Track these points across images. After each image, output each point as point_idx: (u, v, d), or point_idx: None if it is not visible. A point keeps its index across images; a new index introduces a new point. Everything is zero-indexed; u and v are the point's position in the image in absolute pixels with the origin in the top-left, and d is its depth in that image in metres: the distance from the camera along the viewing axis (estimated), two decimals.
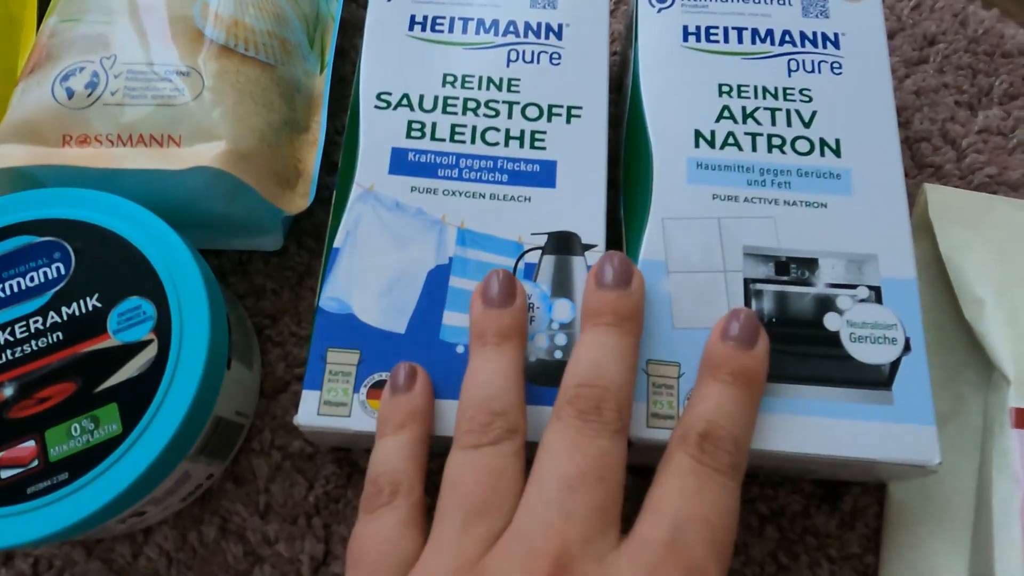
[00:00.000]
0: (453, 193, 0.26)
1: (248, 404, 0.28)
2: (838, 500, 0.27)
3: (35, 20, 0.33)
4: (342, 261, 0.25)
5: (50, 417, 0.23)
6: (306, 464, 0.28)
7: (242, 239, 0.31)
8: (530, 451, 0.22)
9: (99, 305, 0.24)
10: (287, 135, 0.29)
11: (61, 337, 0.23)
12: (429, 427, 0.23)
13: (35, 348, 0.23)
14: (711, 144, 0.26)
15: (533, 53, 0.28)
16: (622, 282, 0.23)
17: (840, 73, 0.28)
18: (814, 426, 0.22)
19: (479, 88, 0.28)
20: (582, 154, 0.27)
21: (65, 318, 0.24)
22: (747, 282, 0.24)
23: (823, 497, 0.27)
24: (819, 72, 0.28)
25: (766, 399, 0.23)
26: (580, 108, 0.28)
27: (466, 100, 0.28)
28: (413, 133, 0.27)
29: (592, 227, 0.26)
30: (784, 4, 0.29)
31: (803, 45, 0.28)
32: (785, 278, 0.24)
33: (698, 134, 0.27)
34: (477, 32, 0.29)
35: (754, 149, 0.26)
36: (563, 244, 0.26)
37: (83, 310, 0.24)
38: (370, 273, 0.25)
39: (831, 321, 0.24)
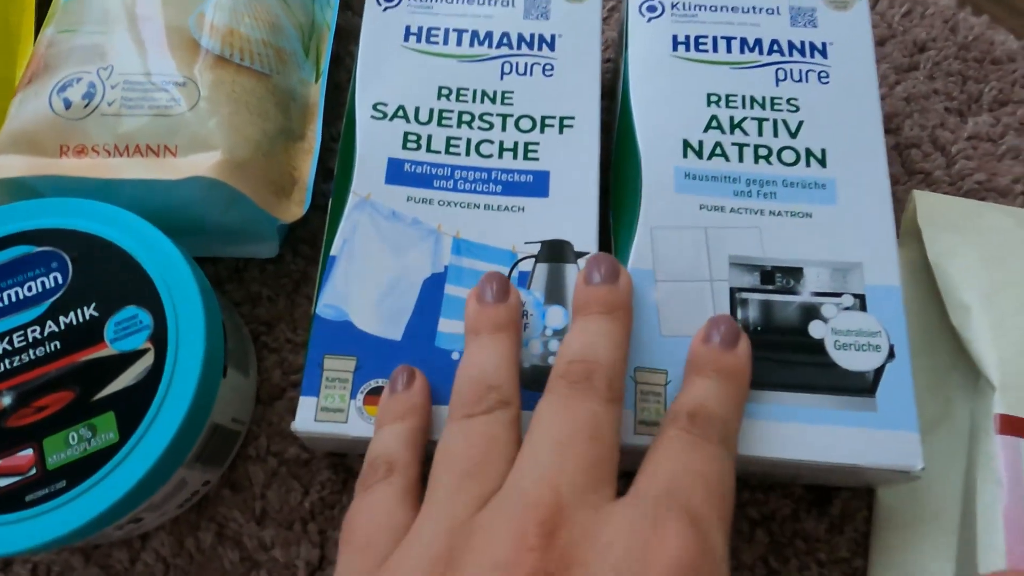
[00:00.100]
0: (448, 203, 0.27)
1: (244, 411, 0.28)
2: (827, 504, 0.28)
3: (32, 30, 0.33)
4: (339, 269, 0.26)
5: (48, 426, 0.23)
6: (302, 470, 0.29)
7: (238, 247, 0.31)
8: None
9: (96, 314, 0.24)
10: (282, 144, 0.30)
11: (59, 346, 0.24)
12: (428, 421, 0.24)
13: (33, 357, 0.24)
14: (699, 154, 0.27)
15: (526, 65, 0.29)
16: (610, 279, 0.23)
17: (827, 82, 0.28)
18: (799, 432, 0.23)
19: (473, 101, 0.28)
20: (574, 164, 0.27)
21: (63, 327, 0.24)
22: (733, 291, 0.25)
23: (812, 501, 0.28)
24: (806, 81, 0.28)
25: (752, 406, 0.23)
26: (572, 118, 0.28)
27: (461, 113, 0.28)
28: (409, 144, 0.28)
29: (584, 235, 0.26)
30: (773, 13, 0.30)
31: (791, 54, 0.29)
32: (770, 287, 0.25)
33: (686, 144, 0.27)
34: (471, 44, 0.29)
35: (741, 160, 0.27)
36: (556, 252, 0.26)
37: (80, 319, 0.24)
38: (367, 281, 0.26)
39: (816, 329, 0.24)
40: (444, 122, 0.28)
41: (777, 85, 0.28)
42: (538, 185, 0.27)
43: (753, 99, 0.28)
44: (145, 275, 0.25)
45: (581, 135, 0.28)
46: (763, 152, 0.27)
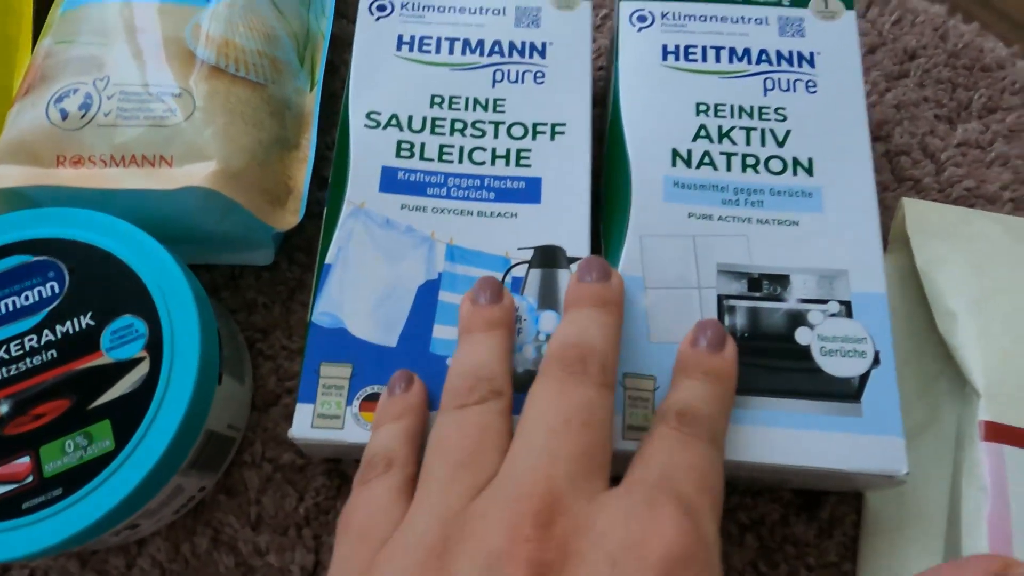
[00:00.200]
0: (442, 211, 0.27)
1: (240, 417, 0.29)
2: (816, 509, 0.28)
3: (30, 40, 0.34)
4: (334, 277, 0.26)
5: (44, 434, 0.23)
6: (297, 476, 0.29)
7: (234, 254, 0.31)
8: None
9: (92, 323, 0.25)
10: (277, 153, 0.30)
11: (55, 355, 0.24)
12: (425, 422, 0.24)
13: (30, 366, 0.24)
14: (687, 163, 0.27)
15: (518, 72, 0.29)
16: (602, 278, 0.23)
17: (815, 91, 0.28)
18: (785, 437, 0.23)
19: (466, 109, 0.29)
20: (566, 170, 0.28)
21: (59, 336, 0.24)
22: (721, 298, 0.25)
23: (801, 506, 0.28)
24: (794, 91, 0.28)
25: (739, 411, 0.24)
26: (564, 125, 0.28)
27: (453, 121, 0.28)
28: (403, 153, 0.28)
29: (577, 241, 0.27)
30: (761, 23, 0.30)
31: (779, 64, 0.29)
32: (758, 294, 0.25)
33: (675, 153, 0.27)
34: (463, 52, 0.30)
35: (729, 168, 0.27)
36: (549, 257, 0.26)
37: (77, 328, 0.24)
38: (362, 288, 0.26)
39: (802, 335, 0.24)
40: (437, 130, 0.28)
41: (765, 94, 0.28)
42: (530, 192, 0.27)
43: (741, 108, 0.28)
44: (141, 284, 0.25)
45: (573, 142, 0.28)
46: (751, 161, 0.27)
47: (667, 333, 0.25)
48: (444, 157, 0.28)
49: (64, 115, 0.27)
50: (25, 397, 0.24)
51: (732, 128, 0.28)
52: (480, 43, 0.30)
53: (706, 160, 0.27)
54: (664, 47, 0.30)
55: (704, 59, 0.29)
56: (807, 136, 0.28)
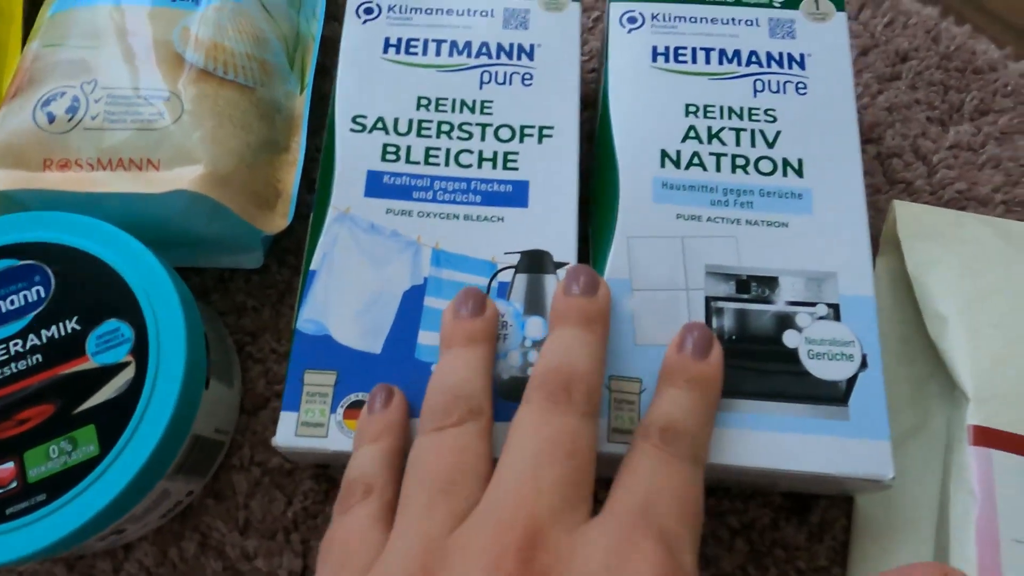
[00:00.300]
0: (428, 215, 0.27)
1: (228, 421, 0.29)
2: (807, 513, 0.28)
3: (20, 44, 0.33)
4: (319, 283, 0.26)
5: (29, 439, 0.23)
6: (285, 480, 0.29)
7: (223, 257, 0.31)
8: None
9: (78, 328, 0.24)
10: (266, 156, 0.30)
11: (40, 359, 0.24)
12: (405, 441, 0.24)
13: (15, 371, 0.24)
14: (676, 164, 0.27)
15: (505, 74, 0.29)
16: (589, 290, 0.23)
17: (805, 93, 0.28)
18: (771, 441, 0.23)
19: (453, 111, 0.29)
20: (554, 174, 0.28)
21: (44, 341, 0.24)
22: (708, 300, 0.25)
23: (792, 510, 0.28)
24: (784, 92, 0.28)
25: (725, 414, 0.23)
26: (551, 128, 0.28)
27: (440, 123, 0.28)
28: (388, 156, 0.28)
29: (564, 245, 0.26)
30: (752, 25, 0.30)
31: (769, 65, 0.29)
32: (746, 296, 0.25)
33: (664, 154, 0.27)
34: (451, 54, 0.29)
35: (718, 169, 0.27)
36: (535, 263, 0.26)
37: (62, 333, 0.24)
38: (347, 294, 0.26)
39: (790, 338, 0.24)
40: (423, 132, 0.28)
41: (755, 96, 0.28)
42: (517, 195, 0.27)
43: (731, 109, 0.28)
44: (127, 288, 0.25)
45: (560, 145, 0.28)
46: (740, 162, 0.27)
47: (654, 335, 0.24)
48: (430, 160, 0.28)
49: (51, 118, 0.27)
50: (9, 402, 0.23)
51: (722, 129, 0.28)
52: (468, 45, 0.30)
53: (695, 161, 0.27)
54: (654, 48, 0.29)
55: (694, 60, 0.29)
56: (797, 137, 0.27)
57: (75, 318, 0.25)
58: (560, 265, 0.26)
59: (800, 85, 0.28)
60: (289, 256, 0.32)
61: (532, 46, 0.30)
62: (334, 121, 0.29)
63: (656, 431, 0.21)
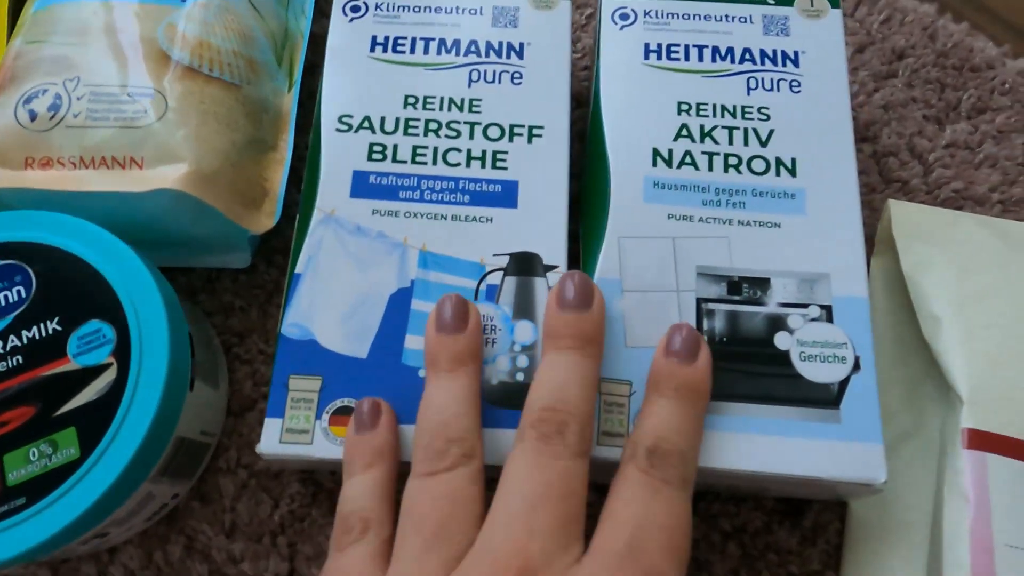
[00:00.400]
0: (415, 215, 0.27)
1: (214, 423, 0.28)
2: (800, 517, 0.27)
3: (4, 41, 0.33)
4: (304, 287, 0.26)
5: (8, 442, 0.23)
6: (272, 483, 0.28)
7: (210, 257, 0.31)
8: (491, 473, 0.22)
9: (59, 328, 0.24)
10: (252, 155, 0.29)
11: (21, 361, 0.24)
12: (396, 463, 0.23)
13: None
14: (668, 163, 0.27)
15: (495, 73, 0.29)
16: (583, 303, 0.23)
17: (799, 91, 0.28)
18: (763, 444, 0.23)
19: (440, 109, 0.28)
20: (543, 174, 0.27)
21: (25, 342, 0.24)
22: (700, 302, 0.25)
23: (785, 514, 0.28)
24: (778, 90, 0.28)
25: (716, 417, 0.23)
26: (541, 128, 0.28)
27: (427, 121, 0.28)
28: (374, 155, 0.27)
29: (553, 248, 0.26)
30: (745, 22, 0.29)
31: (763, 63, 0.28)
32: (737, 298, 0.25)
33: (656, 153, 0.27)
34: (439, 52, 0.29)
35: (710, 169, 0.27)
36: (525, 265, 0.26)
37: (43, 334, 0.24)
38: (332, 298, 0.25)
39: (781, 340, 0.24)
40: (410, 131, 0.28)
41: (748, 94, 0.28)
42: (506, 195, 0.27)
43: (724, 108, 0.28)
44: (109, 289, 0.25)
45: (550, 145, 0.28)
46: (733, 161, 0.27)
47: (644, 337, 0.24)
48: (417, 158, 0.27)
49: (33, 116, 0.27)
50: None
51: (714, 127, 0.27)
52: (456, 43, 0.29)
53: (687, 160, 0.27)
54: (646, 45, 0.29)
55: (687, 58, 0.29)
56: (790, 136, 0.27)
57: (56, 319, 0.24)
58: (550, 268, 0.26)
59: (794, 83, 0.28)
60: (277, 256, 0.32)
61: (522, 44, 0.29)
62: (320, 121, 0.28)
63: (644, 453, 0.21)
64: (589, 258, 0.26)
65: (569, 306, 0.23)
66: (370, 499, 0.22)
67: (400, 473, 0.25)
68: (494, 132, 0.28)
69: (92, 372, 0.24)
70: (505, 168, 0.27)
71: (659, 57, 0.29)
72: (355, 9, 0.30)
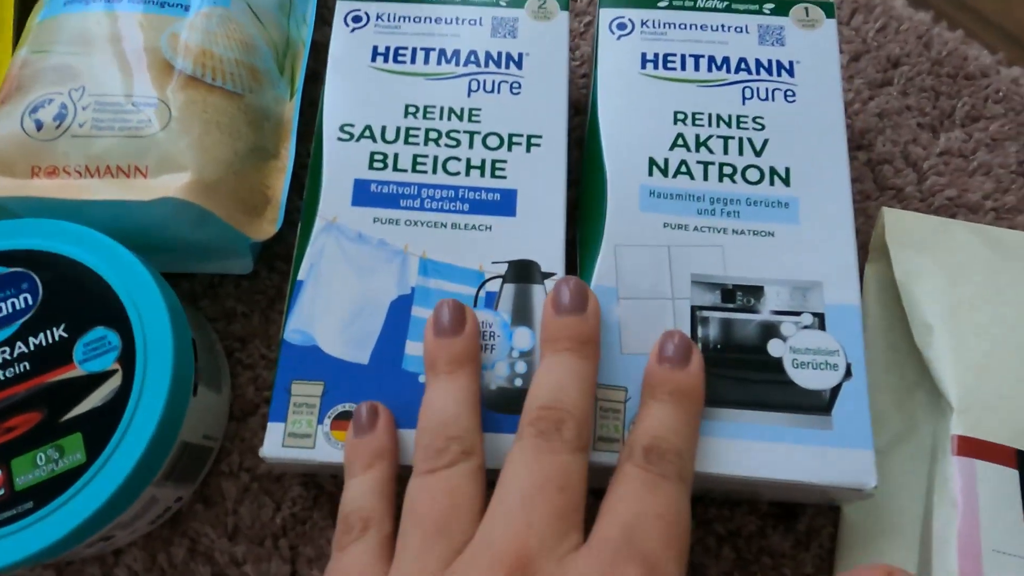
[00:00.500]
0: (415, 223, 0.27)
1: (217, 427, 0.29)
2: (793, 521, 0.28)
3: (10, 50, 0.33)
4: (306, 294, 0.26)
5: (16, 447, 0.23)
6: (274, 486, 0.29)
7: (212, 263, 0.31)
8: (491, 477, 0.23)
9: (65, 335, 0.24)
10: (254, 162, 0.30)
11: (28, 367, 0.24)
12: (395, 465, 0.24)
13: (2, 378, 0.24)
14: (664, 172, 0.27)
15: (494, 83, 0.29)
16: (579, 307, 0.23)
17: (793, 101, 0.28)
18: (755, 450, 0.23)
19: (440, 118, 0.29)
20: (542, 183, 0.28)
21: (32, 348, 0.24)
22: (694, 309, 0.25)
23: (779, 517, 0.28)
24: (773, 100, 0.28)
25: (710, 423, 0.23)
26: (540, 137, 0.28)
27: (428, 131, 0.28)
28: (375, 164, 0.28)
29: (551, 255, 0.27)
30: (741, 32, 0.30)
31: (758, 73, 0.29)
32: (731, 305, 0.25)
33: (652, 162, 0.27)
34: (439, 63, 0.29)
35: (705, 178, 0.27)
36: (523, 273, 0.26)
37: (50, 340, 0.24)
38: (334, 305, 0.26)
39: (774, 347, 0.24)
40: (411, 140, 0.28)
41: (744, 103, 0.28)
42: (505, 204, 0.27)
43: (719, 117, 0.28)
44: (114, 296, 0.25)
45: (548, 154, 0.28)
46: (728, 170, 0.27)
47: (639, 344, 0.25)
48: (418, 167, 0.28)
49: (39, 125, 0.27)
50: None
51: (710, 137, 0.28)
52: (456, 53, 0.30)
53: (683, 169, 0.27)
54: (643, 55, 0.29)
55: (683, 67, 0.29)
56: (785, 146, 0.27)
57: (63, 326, 0.25)
58: (548, 275, 0.26)
59: (789, 93, 0.28)
60: (279, 262, 0.32)
61: (521, 55, 0.30)
62: (322, 130, 0.29)
63: (640, 451, 0.21)
64: (586, 265, 0.26)
65: (565, 310, 0.23)
66: (370, 498, 0.23)
67: (401, 477, 0.25)
68: (493, 141, 0.28)
69: (98, 378, 0.24)
70: (504, 177, 0.28)
71: (656, 66, 0.29)
72: (356, 19, 0.30)
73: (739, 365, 0.24)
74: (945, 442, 0.25)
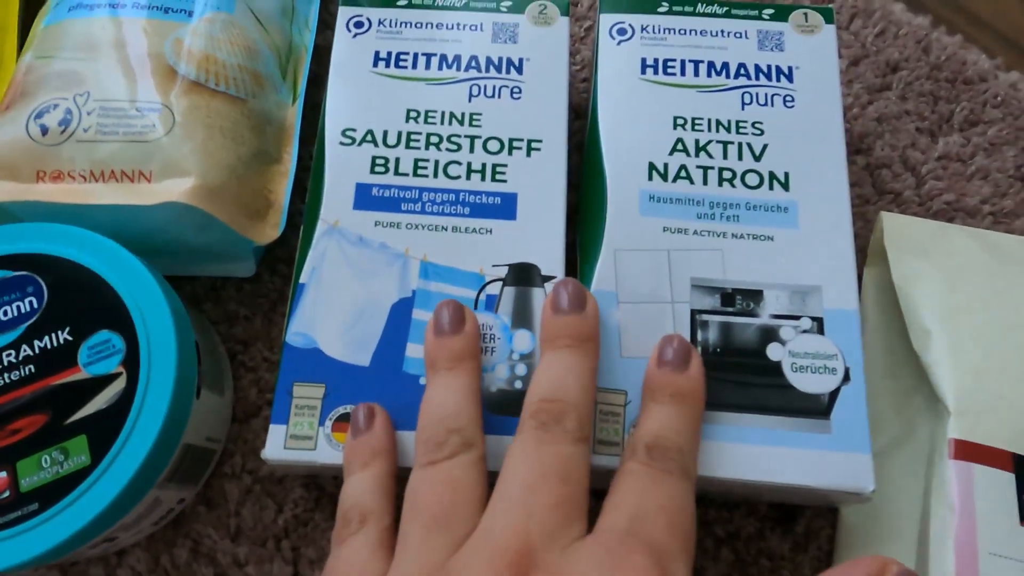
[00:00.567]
0: (416, 227, 0.27)
1: (219, 430, 0.29)
2: (792, 523, 0.28)
3: (15, 56, 0.34)
4: (308, 296, 0.26)
5: (21, 449, 0.23)
6: (276, 488, 0.29)
7: (215, 266, 0.31)
8: (492, 478, 0.23)
9: (70, 338, 0.25)
10: (257, 167, 0.30)
11: (33, 370, 0.24)
12: (394, 463, 0.24)
13: (8, 381, 0.24)
14: (664, 177, 0.27)
15: (494, 87, 0.29)
16: (577, 306, 0.24)
17: (792, 106, 0.28)
18: (754, 453, 0.23)
19: (442, 123, 0.29)
20: (542, 186, 0.28)
21: (37, 351, 0.25)
22: (694, 313, 0.25)
23: (777, 520, 0.28)
24: (772, 105, 0.28)
25: (709, 426, 0.24)
26: (540, 141, 0.28)
27: (429, 135, 0.29)
28: (377, 168, 0.28)
29: (551, 258, 0.27)
30: (741, 37, 0.30)
31: (757, 78, 0.29)
32: (731, 309, 0.25)
33: (652, 167, 0.28)
34: (440, 68, 0.30)
35: (705, 182, 0.27)
36: (523, 276, 0.26)
37: (55, 343, 0.25)
38: (335, 308, 0.26)
39: (773, 351, 0.25)
40: (412, 144, 0.28)
41: (743, 108, 0.29)
42: (506, 207, 0.27)
43: (719, 122, 0.28)
44: (119, 300, 0.25)
45: (549, 158, 0.28)
46: (727, 175, 0.27)
47: (639, 348, 0.25)
48: (419, 171, 0.28)
49: (44, 131, 0.27)
50: (2, 412, 0.24)
51: (709, 142, 0.28)
52: (457, 58, 0.30)
53: (682, 174, 0.27)
54: (643, 60, 0.30)
55: (683, 73, 0.29)
56: (784, 151, 0.28)
57: (67, 329, 0.25)
58: (548, 278, 0.26)
59: (788, 98, 0.29)
60: (281, 265, 0.33)
61: (521, 60, 0.30)
62: (324, 134, 0.29)
63: (643, 448, 0.21)
64: (586, 269, 0.27)
65: (564, 310, 0.24)
66: (368, 494, 0.23)
67: (402, 479, 0.25)
68: (494, 146, 0.28)
69: (102, 381, 0.24)
70: (504, 181, 0.28)
71: (656, 72, 0.29)
72: (358, 25, 0.31)
73: (738, 369, 0.24)
74: (942, 445, 0.25)
